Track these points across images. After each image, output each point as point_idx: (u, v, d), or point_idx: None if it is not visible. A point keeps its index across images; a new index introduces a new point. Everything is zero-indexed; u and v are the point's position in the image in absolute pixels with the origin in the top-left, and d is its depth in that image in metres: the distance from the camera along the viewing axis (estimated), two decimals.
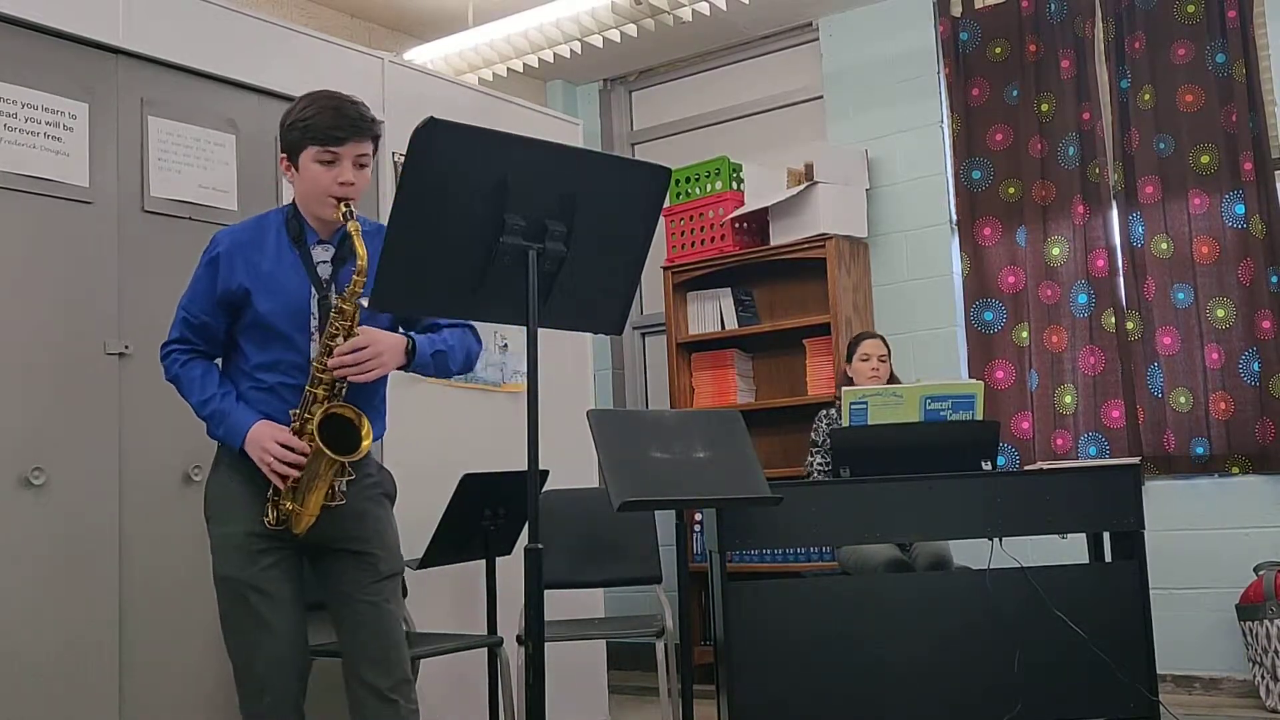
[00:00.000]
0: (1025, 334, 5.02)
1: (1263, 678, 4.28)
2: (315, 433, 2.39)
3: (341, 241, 2.51)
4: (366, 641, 2.50)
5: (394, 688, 2.49)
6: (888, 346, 4.48)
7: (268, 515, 2.46)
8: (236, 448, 2.47)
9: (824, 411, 4.53)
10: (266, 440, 2.43)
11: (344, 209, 2.41)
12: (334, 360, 2.39)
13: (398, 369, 2.52)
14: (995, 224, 5.13)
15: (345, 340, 2.40)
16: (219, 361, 2.60)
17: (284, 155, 2.52)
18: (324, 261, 2.52)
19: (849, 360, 4.49)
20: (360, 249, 2.34)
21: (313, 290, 2.49)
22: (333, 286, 2.49)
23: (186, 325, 2.55)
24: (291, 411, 2.46)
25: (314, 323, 2.49)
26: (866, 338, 4.51)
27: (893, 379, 4.47)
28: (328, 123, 2.43)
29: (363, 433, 2.44)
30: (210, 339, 2.56)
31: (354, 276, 2.36)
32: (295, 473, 2.43)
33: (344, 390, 2.45)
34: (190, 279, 2.56)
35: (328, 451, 2.39)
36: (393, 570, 2.58)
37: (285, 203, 2.58)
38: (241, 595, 2.47)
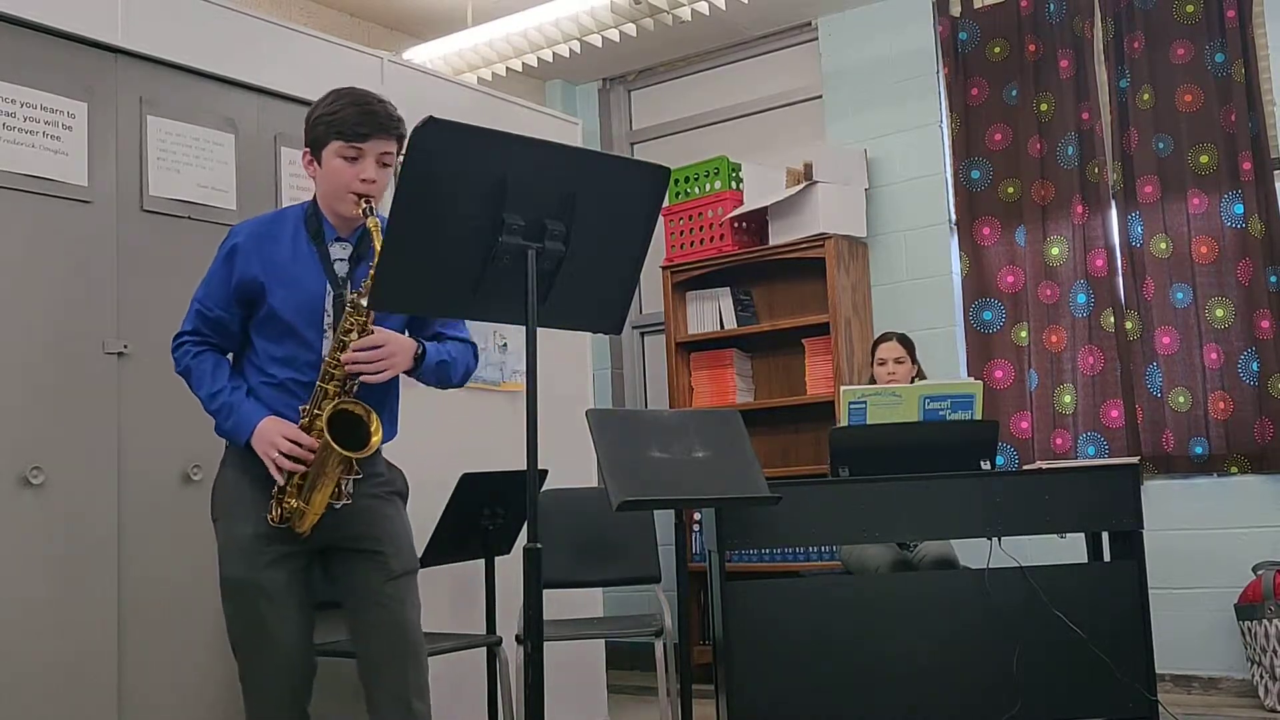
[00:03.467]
0: (1024, 334, 5.02)
1: (1261, 677, 4.28)
2: (324, 427, 2.37)
3: (360, 239, 2.51)
4: (383, 646, 2.48)
5: (412, 692, 2.46)
6: (908, 345, 4.42)
7: (271, 512, 2.44)
8: (243, 443, 2.46)
9: None
10: (273, 434, 2.41)
11: (365, 206, 2.41)
12: (347, 356, 2.38)
13: (404, 373, 2.51)
14: (994, 224, 5.13)
15: (360, 337, 2.39)
16: (230, 356, 2.58)
17: (307, 150, 2.51)
18: (341, 259, 2.51)
19: (871, 364, 4.46)
20: (379, 246, 2.30)
21: (329, 287, 2.48)
22: (349, 284, 2.48)
23: (201, 318, 2.53)
24: (301, 407, 2.44)
25: (328, 319, 2.48)
26: (883, 340, 4.45)
27: (920, 377, 4.41)
28: (354, 119, 2.43)
29: (372, 429, 2.41)
30: (224, 332, 2.54)
31: (370, 274, 2.32)
32: (300, 468, 2.40)
33: (355, 388, 2.44)
34: (206, 271, 2.54)
35: (335, 446, 2.35)
36: (405, 568, 2.55)
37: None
38: (246, 598, 2.46)
